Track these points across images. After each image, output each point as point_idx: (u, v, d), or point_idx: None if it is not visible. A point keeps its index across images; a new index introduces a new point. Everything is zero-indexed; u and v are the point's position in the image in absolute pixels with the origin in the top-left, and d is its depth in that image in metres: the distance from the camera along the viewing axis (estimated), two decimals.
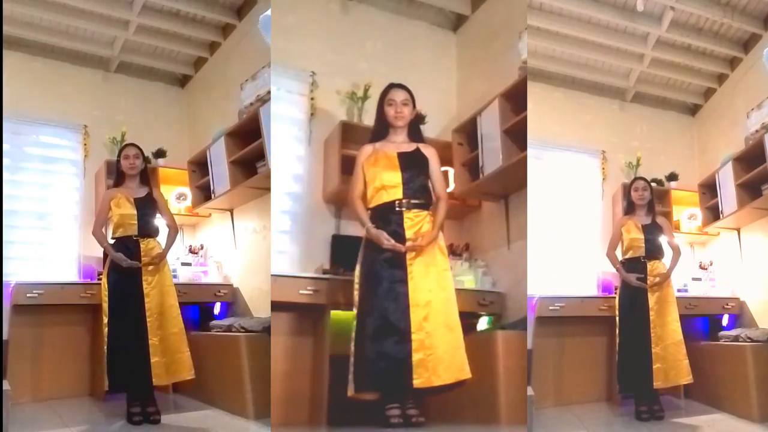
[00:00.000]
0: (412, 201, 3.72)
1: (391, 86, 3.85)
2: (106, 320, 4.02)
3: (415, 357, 3.50)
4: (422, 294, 3.60)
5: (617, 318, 4.61)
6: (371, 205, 3.78)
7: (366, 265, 3.71)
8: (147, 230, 4.14)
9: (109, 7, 5.12)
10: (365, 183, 3.80)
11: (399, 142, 3.84)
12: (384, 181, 3.73)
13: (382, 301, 3.59)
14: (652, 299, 4.51)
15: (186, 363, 4.08)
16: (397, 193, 3.71)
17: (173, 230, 4.32)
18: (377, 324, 3.56)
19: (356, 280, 3.74)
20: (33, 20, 5.15)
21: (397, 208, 3.70)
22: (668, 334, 4.46)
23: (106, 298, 4.05)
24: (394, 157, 3.76)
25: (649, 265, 4.56)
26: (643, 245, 4.56)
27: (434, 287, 3.64)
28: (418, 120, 3.94)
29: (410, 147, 3.83)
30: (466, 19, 5.54)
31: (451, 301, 3.68)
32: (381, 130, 3.87)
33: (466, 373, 3.58)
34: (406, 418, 3.56)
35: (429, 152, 3.85)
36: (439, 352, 3.53)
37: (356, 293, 3.72)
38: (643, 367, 4.42)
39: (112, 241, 4.15)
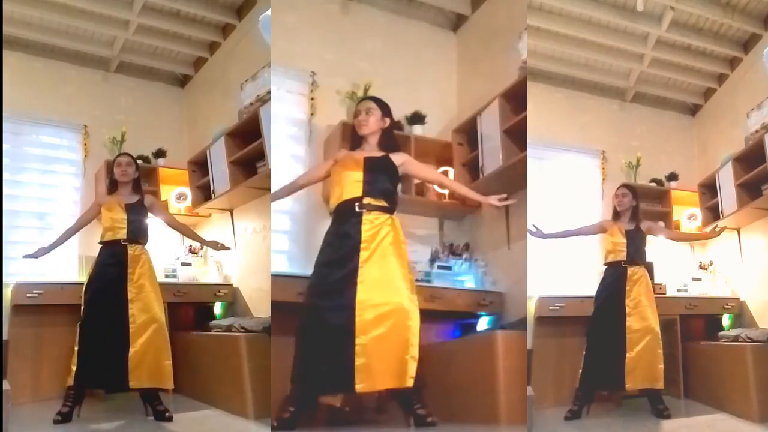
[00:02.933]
0: (373, 203, 3.62)
1: (362, 99, 3.83)
2: (80, 323, 4.02)
3: (358, 362, 3.40)
4: (372, 297, 3.47)
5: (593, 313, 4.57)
6: (334, 205, 3.71)
7: (318, 266, 3.63)
8: (135, 236, 4.17)
9: (109, 7, 5.13)
10: (330, 184, 3.79)
11: (368, 151, 3.77)
12: (345, 179, 3.66)
13: (328, 302, 3.51)
14: (630, 304, 4.47)
15: (167, 372, 4.05)
16: (356, 191, 3.61)
17: (182, 226, 4.51)
18: (323, 326, 3.48)
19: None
20: (33, 20, 5.15)
21: (357, 209, 3.60)
22: (645, 336, 4.41)
23: (84, 300, 4.05)
24: (361, 159, 3.69)
25: (630, 271, 4.54)
26: (625, 250, 4.56)
27: (387, 291, 3.50)
28: (390, 129, 3.83)
29: (379, 154, 3.76)
30: (466, 19, 5.54)
31: (403, 307, 3.48)
32: (355, 140, 3.82)
33: (406, 382, 3.42)
34: (417, 419, 3.52)
35: (400, 159, 3.78)
36: (383, 358, 3.42)
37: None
38: (615, 366, 4.37)
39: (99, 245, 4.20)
